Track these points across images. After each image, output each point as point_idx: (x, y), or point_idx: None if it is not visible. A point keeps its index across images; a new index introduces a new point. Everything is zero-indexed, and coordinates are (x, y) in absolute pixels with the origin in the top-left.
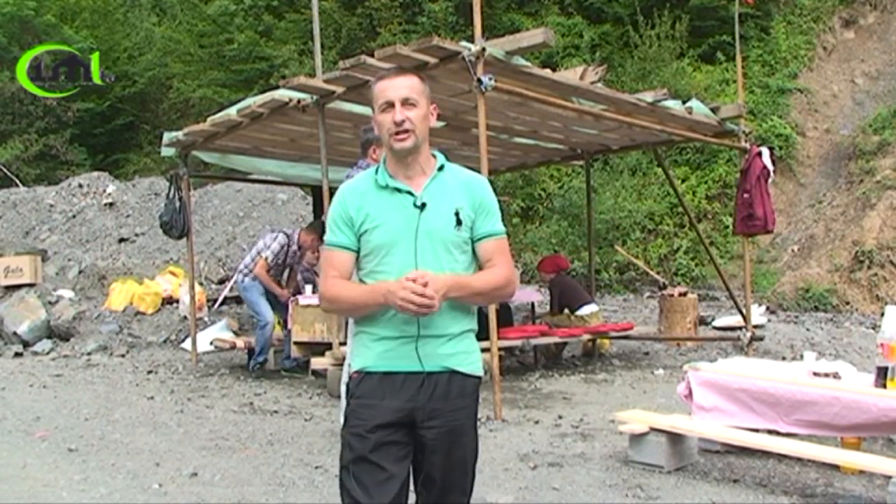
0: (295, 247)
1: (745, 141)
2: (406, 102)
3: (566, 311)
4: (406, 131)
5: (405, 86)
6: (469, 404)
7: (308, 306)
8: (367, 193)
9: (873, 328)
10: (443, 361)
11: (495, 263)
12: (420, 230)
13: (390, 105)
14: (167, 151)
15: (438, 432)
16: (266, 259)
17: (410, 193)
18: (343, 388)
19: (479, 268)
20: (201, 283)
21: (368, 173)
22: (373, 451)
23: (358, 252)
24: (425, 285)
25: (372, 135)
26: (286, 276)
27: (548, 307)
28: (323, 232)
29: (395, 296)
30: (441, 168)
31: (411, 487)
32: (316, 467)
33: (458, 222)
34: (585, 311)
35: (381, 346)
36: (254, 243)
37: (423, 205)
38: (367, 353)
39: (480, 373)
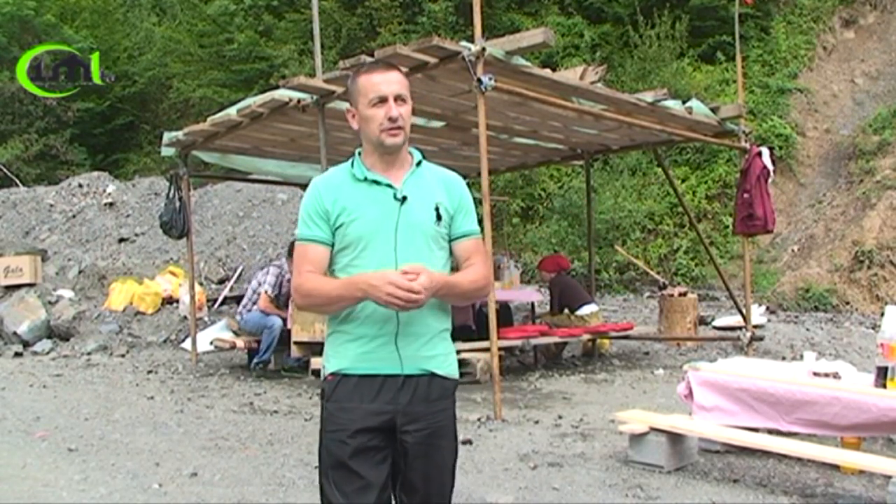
0: (288, 275)
1: (745, 141)
2: (399, 98)
3: (566, 311)
4: (399, 128)
5: (396, 81)
6: (449, 406)
7: None
8: (343, 186)
9: (873, 328)
10: (423, 364)
11: (474, 262)
12: (401, 223)
13: (383, 100)
14: (167, 151)
15: (420, 436)
16: (267, 292)
17: (390, 186)
18: None
19: (455, 265)
20: (201, 283)
21: (343, 167)
22: (352, 456)
23: (333, 247)
24: (414, 280)
25: None
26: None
27: (548, 307)
28: None
29: (378, 289)
30: (419, 163)
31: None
32: (316, 467)
33: (438, 217)
34: (585, 311)
35: (359, 346)
36: (252, 275)
37: (405, 198)
38: (343, 353)
39: (457, 376)
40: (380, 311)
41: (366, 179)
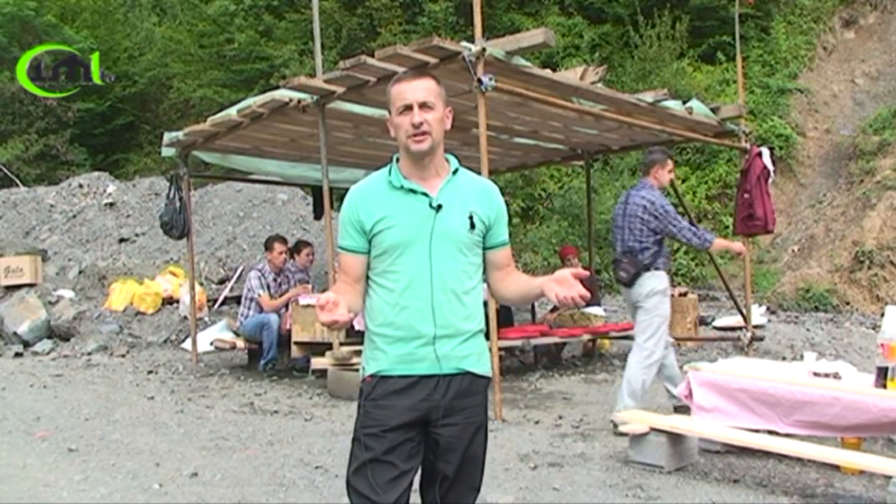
0: (272, 273)
1: (746, 141)
2: (424, 105)
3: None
4: (424, 133)
5: (423, 88)
6: (482, 401)
7: (308, 306)
8: (379, 195)
9: (873, 328)
10: (458, 363)
11: (513, 269)
12: (435, 231)
13: (408, 108)
14: (167, 151)
15: (455, 430)
16: (261, 296)
17: (426, 195)
18: None
19: (488, 271)
20: (201, 283)
21: (381, 174)
22: (387, 451)
23: (369, 254)
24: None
25: (658, 155)
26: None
27: (547, 307)
28: (274, 240)
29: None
30: (455, 171)
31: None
32: (316, 467)
33: (472, 225)
34: (594, 310)
35: (398, 349)
36: (251, 267)
37: (440, 206)
38: (381, 357)
39: (490, 373)
40: (417, 315)
41: (402, 188)
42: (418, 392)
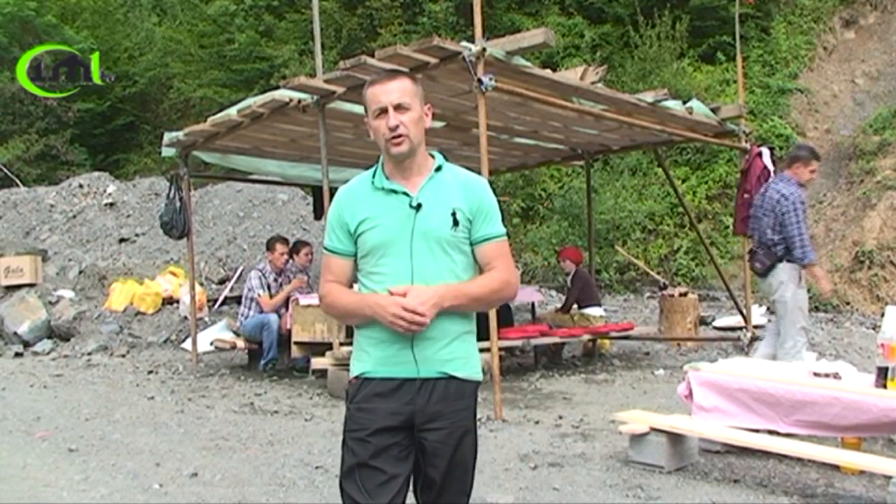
0: (273, 273)
1: (746, 141)
2: (399, 107)
3: (574, 306)
4: (401, 136)
5: (397, 90)
6: (469, 405)
7: (308, 306)
8: (363, 196)
9: (873, 328)
10: (440, 367)
11: (494, 267)
12: (416, 231)
13: (384, 111)
14: (167, 151)
15: (440, 435)
16: (261, 296)
17: (406, 194)
18: None
19: (480, 270)
20: (202, 284)
21: (366, 175)
22: (373, 456)
23: (356, 255)
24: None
25: (803, 153)
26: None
27: (549, 307)
28: (276, 240)
29: (384, 310)
30: (439, 168)
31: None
32: (316, 467)
33: (455, 223)
34: (594, 311)
35: (379, 350)
36: (252, 267)
37: (419, 205)
38: (365, 358)
39: (479, 377)
40: None
41: (383, 188)
42: (401, 396)
